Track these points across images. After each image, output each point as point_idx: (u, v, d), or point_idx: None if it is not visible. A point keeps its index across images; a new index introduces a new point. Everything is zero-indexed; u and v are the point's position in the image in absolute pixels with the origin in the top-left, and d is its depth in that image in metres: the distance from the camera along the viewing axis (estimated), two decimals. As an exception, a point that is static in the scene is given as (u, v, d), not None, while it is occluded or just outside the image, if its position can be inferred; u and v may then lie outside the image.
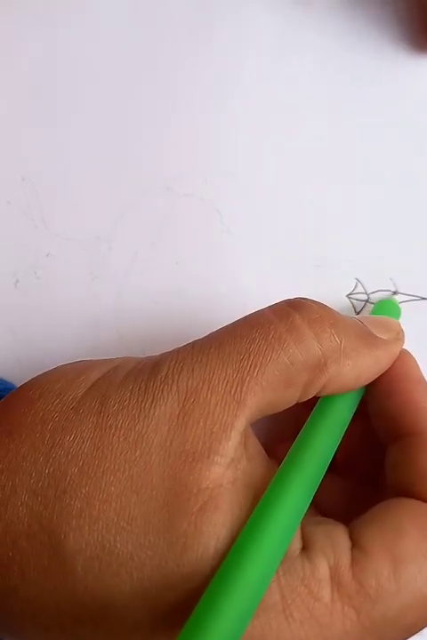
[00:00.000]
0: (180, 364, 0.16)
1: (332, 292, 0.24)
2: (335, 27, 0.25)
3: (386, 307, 0.24)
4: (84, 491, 0.15)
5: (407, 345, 0.24)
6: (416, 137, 0.25)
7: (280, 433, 0.21)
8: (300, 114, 0.25)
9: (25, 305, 0.25)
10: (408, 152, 0.25)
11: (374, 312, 0.24)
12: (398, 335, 0.19)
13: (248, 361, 0.16)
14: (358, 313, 0.25)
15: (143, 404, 0.15)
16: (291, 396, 0.17)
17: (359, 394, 0.19)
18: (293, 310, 0.17)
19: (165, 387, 0.16)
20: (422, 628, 0.15)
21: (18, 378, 0.25)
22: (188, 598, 0.14)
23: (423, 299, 0.24)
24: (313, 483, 0.16)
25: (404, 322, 0.24)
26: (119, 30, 0.26)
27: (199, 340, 0.17)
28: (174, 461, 0.15)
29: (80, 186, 0.25)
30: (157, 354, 0.17)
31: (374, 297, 0.24)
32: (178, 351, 0.17)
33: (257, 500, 0.15)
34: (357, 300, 0.25)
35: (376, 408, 0.19)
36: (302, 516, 0.15)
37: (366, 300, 0.24)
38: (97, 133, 0.25)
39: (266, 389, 0.16)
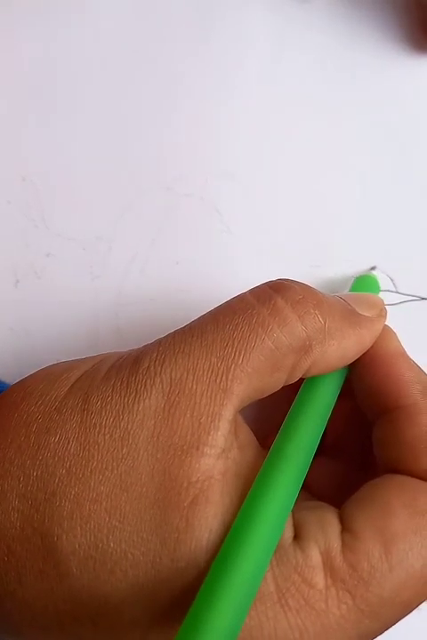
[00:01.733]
0: (162, 356, 0.16)
1: (332, 292, 0.24)
2: (335, 26, 0.25)
3: (365, 282, 0.23)
4: (73, 491, 0.14)
5: (407, 345, 0.24)
6: (416, 136, 0.25)
7: (269, 416, 0.21)
8: (300, 113, 0.25)
9: (25, 305, 0.25)
10: (408, 152, 0.25)
11: (353, 288, 0.23)
12: (381, 311, 0.19)
13: (232, 348, 0.16)
14: (358, 313, 0.25)
15: (126, 400, 0.15)
16: (277, 380, 0.17)
17: (343, 373, 0.19)
18: (274, 293, 0.17)
19: (148, 380, 0.15)
20: (419, 603, 0.15)
21: (17, 377, 0.25)
22: (184, 593, 0.14)
23: (423, 299, 0.24)
24: (302, 469, 0.16)
25: (404, 322, 0.24)
26: (119, 30, 0.26)
27: (180, 329, 0.17)
28: (163, 456, 0.15)
29: (80, 185, 0.25)
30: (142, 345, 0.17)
31: (374, 297, 0.24)
32: (159, 342, 0.16)
33: (246, 491, 0.15)
34: (357, 299, 0.25)
35: (360, 385, 0.19)
36: (293, 505, 0.15)
37: (366, 300, 0.24)
38: (97, 133, 0.25)
39: (252, 376, 0.16)
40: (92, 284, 0.25)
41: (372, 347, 0.18)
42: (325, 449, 0.20)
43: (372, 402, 0.18)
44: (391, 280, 0.24)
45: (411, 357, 0.19)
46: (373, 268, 0.24)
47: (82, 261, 0.25)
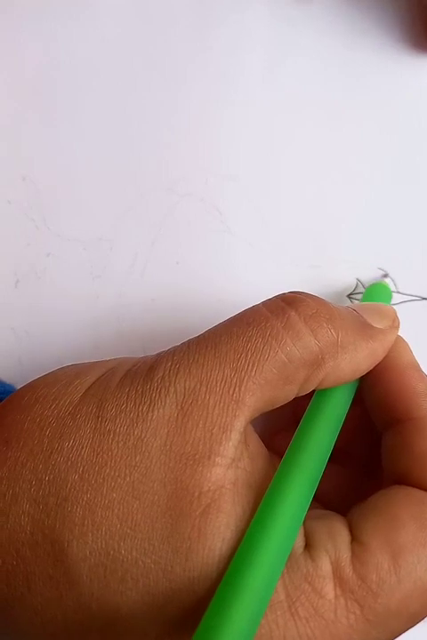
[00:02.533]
0: (176, 365, 0.16)
1: (332, 292, 0.24)
2: (336, 27, 0.25)
3: (377, 290, 0.23)
4: (85, 497, 0.14)
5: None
6: (417, 137, 0.25)
7: (278, 424, 0.21)
8: (300, 114, 0.25)
9: (25, 305, 0.25)
10: (409, 152, 0.25)
11: (365, 296, 0.23)
12: (394, 322, 0.19)
13: (245, 360, 0.16)
14: (358, 313, 0.25)
15: (141, 408, 0.15)
16: (289, 393, 0.17)
17: (355, 384, 0.19)
18: (288, 306, 0.17)
19: (163, 389, 0.15)
20: (425, 616, 0.16)
21: (19, 378, 0.25)
22: (195, 603, 0.14)
23: (423, 299, 0.24)
24: (313, 481, 0.16)
25: (404, 322, 0.24)
26: (120, 31, 0.26)
27: (195, 338, 0.17)
28: (175, 465, 0.15)
29: (81, 186, 0.25)
30: (155, 353, 0.17)
31: (375, 297, 0.25)
32: (173, 352, 0.16)
33: (260, 500, 0.15)
34: (357, 299, 0.25)
35: (371, 395, 0.19)
36: (305, 515, 0.15)
37: (367, 300, 0.24)
38: (98, 133, 0.25)
39: (264, 388, 0.16)
40: (92, 284, 0.25)
41: (384, 358, 0.19)
42: (334, 454, 0.21)
43: (382, 412, 0.18)
44: (392, 280, 0.24)
45: (423, 370, 0.19)
46: (385, 276, 0.24)
47: (82, 262, 0.25)
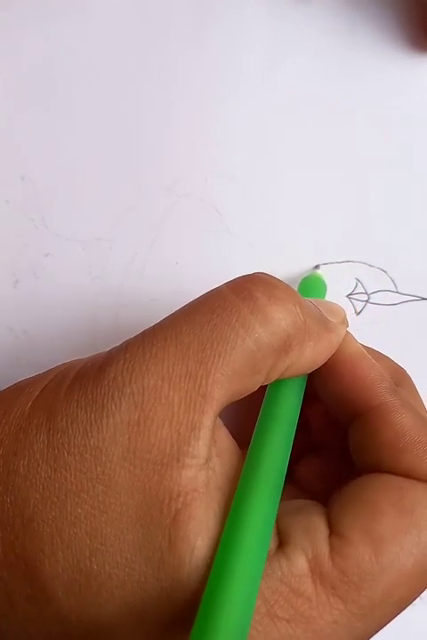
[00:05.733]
0: (130, 363, 0.14)
1: (332, 291, 0.24)
2: (335, 26, 0.25)
3: (311, 282, 0.23)
4: (50, 516, 0.14)
5: (408, 345, 0.24)
6: (416, 137, 0.25)
7: (241, 414, 0.21)
8: (299, 114, 0.25)
9: (24, 305, 0.25)
10: (409, 152, 0.25)
11: (300, 288, 0.23)
12: (344, 320, 0.19)
13: (211, 350, 0.15)
14: (358, 313, 0.25)
15: (93, 415, 0.14)
16: (256, 382, 0.16)
17: (305, 379, 0.18)
18: (254, 288, 0.16)
19: (116, 391, 0.14)
20: (411, 601, 0.15)
21: (17, 377, 0.25)
22: (172, 611, 0.14)
23: (423, 299, 0.24)
24: (279, 483, 0.15)
25: (404, 322, 0.24)
26: (119, 31, 0.25)
27: (150, 330, 0.16)
28: (141, 472, 0.14)
29: (80, 186, 0.25)
30: (107, 350, 0.16)
31: (375, 297, 0.24)
32: (126, 347, 0.15)
33: (229, 502, 0.15)
34: (357, 299, 0.25)
35: (328, 393, 0.18)
36: (275, 518, 0.15)
37: (367, 301, 0.24)
38: (97, 133, 0.25)
39: (232, 379, 0.15)
40: (91, 284, 0.25)
41: (336, 351, 0.18)
42: (312, 446, 0.20)
43: (342, 408, 0.18)
44: (391, 280, 0.24)
45: (371, 357, 0.18)
46: (316, 267, 0.24)
47: (81, 261, 0.25)
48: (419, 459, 0.16)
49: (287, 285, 0.17)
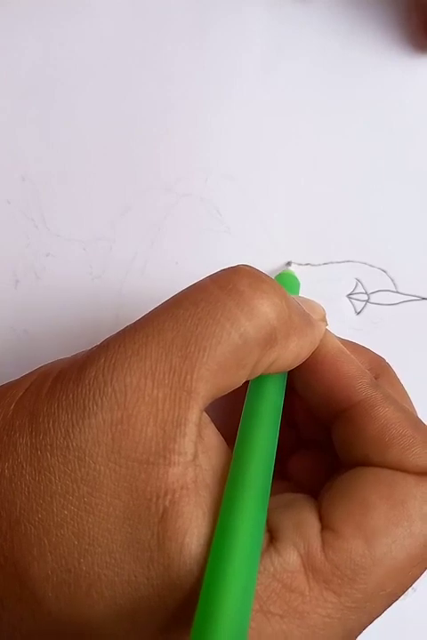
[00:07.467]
0: (111, 361, 0.14)
1: (332, 291, 0.24)
2: (335, 26, 0.25)
3: (284, 279, 0.23)
4: (37, 518, 0.14)
5: (408, 345, 0.24)
6: (416, 136, 0.25)
7: (227, 409, 0.20)
8: (299, 114, 0.25)
9: (25, 305, 0.25)
10: (408, 152, 0.25)
11: None
12: (324, 318, 0.19)
13: (195, 345, 0.14)
14: (358, 313, 0.25)
15: (74, 416, 0.14)
16: (241, 377, 0.16)
17: (285, 376, 0.18)
18: (240, 281, 0.15)
19: (97, 391, 0.14)
20: (404, 592, 0.16)
21: (17, 377, 0.25)
22: (163, 611, 0.14)
23: (423, 299, 0.24)
24: (267, 480, 0.15)
25: (404, 322, 0.24)
26: (119, 31, 0.26)
27: (131, 327, 0.15)
28: (127, 471, 0.14)
29: (80, 186, 0.25)
30: (88, 349, 0.16)
31: (374, 297, 0.24)
32: (107, 345, 0.15)
33: (217, 499, 0.14)
34: (357, 299, 0.25)
35: (309, 392, 0.18)
36: (266, 515, 0.15)
37: (367, 301, 0.24)
38: (97, 133, 0.25)
39: (217, 374, 0.15)
40: (92, 284, 0.25)
41: (315, 350, 0.18)
42: (301, 441, 0.20)
43: (324, 405, 0.18)
44: (391, 280, 0.24)
45: (349, 353, 0.18)
46: (288, 264, 0.24)
47: (82, 261, 0.25)
48: (406, 451, 0.16)
49: (272, 279, 0.16)
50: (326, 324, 0.19)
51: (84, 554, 0.14)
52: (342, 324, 0.24)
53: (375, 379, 0.18)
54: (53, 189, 0.25)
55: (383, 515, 0.15)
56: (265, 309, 0.15)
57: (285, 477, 0.19)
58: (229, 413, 0.19)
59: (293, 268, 0.24)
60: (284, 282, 0.23)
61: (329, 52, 0.25)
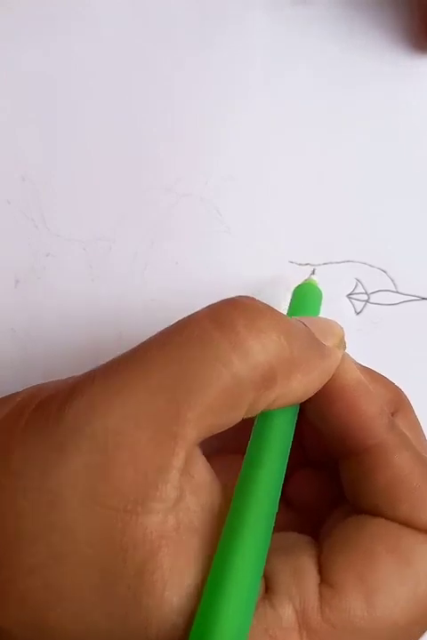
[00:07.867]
0: (92, 399, 0.13)
1: (332, 291, 0.24)
2: (336, 29, 0.25)
3: (305, 290, 0.22)
4: (5, 562, 0.13)
5: (407, 345, 0.24)
6: (417, 138, 0.25)
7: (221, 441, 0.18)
8: (299, 114, 0.25)
9: (25, 305, 0.25)
10: (409, 153, 0.25)
11: (294, 297, 0.22)
12: (342, 341, 0.17)
13: (184, 387, 0.13)
14: (358, 313, 0.25)
15: (51, 456, 0.13)
16: (235, 417, 0.14)
17: (296, 408, 0.17)
18: (236, 316, 0.14)
19: (76, 432, 0.13)
20: None
21: (18, 378, 0.25)
22: None
23: (423, 299, 0.24)
24: (268, 528, 0.14)
25: (404, 322, 0.24)
26: (119, 32, 0.26)
27: (117, 360, 0.14)
28: (102, 520, 0.12)
29: (80, 186, 0.25)
30: (72, 377, 0.15)
31: (375, 297, 0.25)
32: (93, 378, 0.14)
33: (208, 539, 0.13)
34: (357, 299, 0.25)
35: (320, 422, 0.17)
36: (264, 566, 0.14)
37: (367, 300, 0.24)
38: (97, 133, 0.25)
39: (207, 416, 0.14)
40: (92, 284, 0.25)
41: (331, 378, 0.16)
42: (305, 460, 0.19)
43: (335, 441, 0.17)
44: (391, 280, 0.24)
45: (370, 387, 0.17)
46: (312, 272, 0.24)
47: (82, 262, 0.25)
48: (418, 508, 0.15)
49: (273, 311, 0.15)
50: (345, 347, 0.17)
51: (51, 607, 0.13)
52: (342, 324, 0.24)
53: (392, 414, 0.17)
54: (53, 189, 0.25)
55: (388, 571, 0.14)
56: (261, 349, 0.14)
57: (286, 497, 0.18)
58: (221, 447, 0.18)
59: (315, 276, 0.23)
60: (304, 294, 0.22)
61: (330, 56, 0.25)
